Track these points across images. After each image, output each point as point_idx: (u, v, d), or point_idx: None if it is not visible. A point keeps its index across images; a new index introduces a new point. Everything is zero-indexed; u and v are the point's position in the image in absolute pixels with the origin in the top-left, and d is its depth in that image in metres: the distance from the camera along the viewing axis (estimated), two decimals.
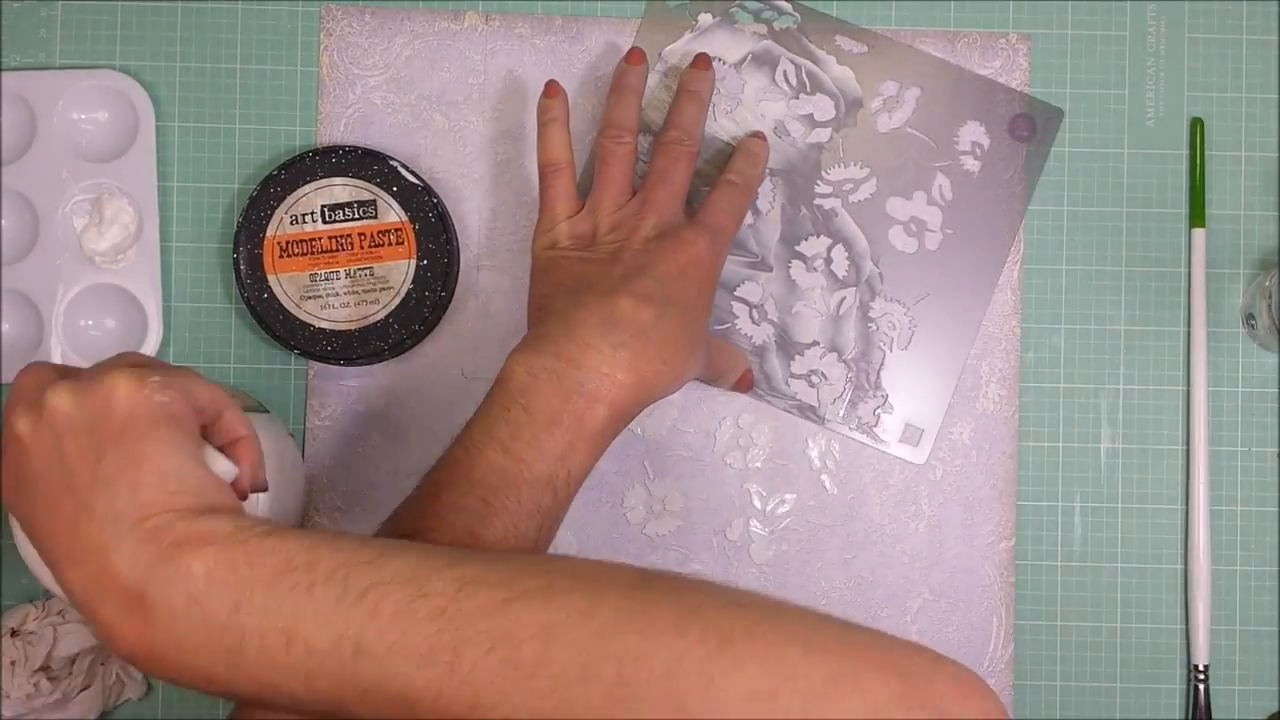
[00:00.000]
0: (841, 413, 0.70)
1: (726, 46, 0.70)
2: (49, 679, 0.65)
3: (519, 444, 0.55)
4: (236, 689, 0.44)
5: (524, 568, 0.44)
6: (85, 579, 0.44)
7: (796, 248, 0.70)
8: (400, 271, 0.67)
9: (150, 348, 0.68)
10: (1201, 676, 0.69)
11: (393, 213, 0.67)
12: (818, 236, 0.70)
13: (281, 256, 0.67)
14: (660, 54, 0.70)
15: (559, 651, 0.41)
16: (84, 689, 0.66)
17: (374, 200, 0.67)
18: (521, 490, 0.54)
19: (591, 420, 0.56)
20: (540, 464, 0.55)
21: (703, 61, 0.67)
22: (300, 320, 0.67)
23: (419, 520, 0.54)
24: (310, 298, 0.67)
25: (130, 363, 0.49)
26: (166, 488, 0.45)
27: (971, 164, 0.70)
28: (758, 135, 0.68)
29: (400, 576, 0.43)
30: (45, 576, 0.50)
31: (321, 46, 0.70)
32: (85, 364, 0.67)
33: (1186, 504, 0.70)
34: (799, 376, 0.70)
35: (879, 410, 0.70)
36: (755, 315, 0.70)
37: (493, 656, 0.41)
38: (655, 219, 0.62)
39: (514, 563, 0.45)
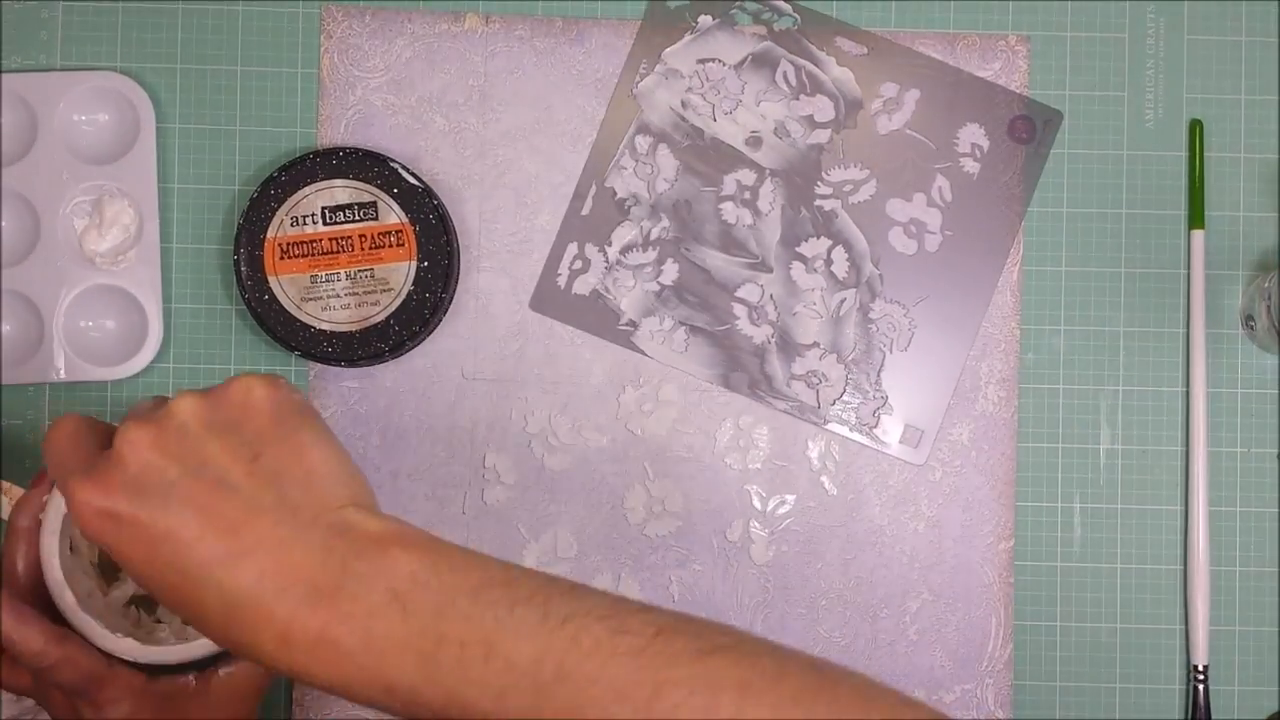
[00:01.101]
0: (841, 414, 0.70)
1: (726, 48, 0.70)
2: None
3: None
4: (420, 699, 0.43)
5: (712, 625, 0.45)
6: (258, 575, 0.43)
7: (797, 249, 0.70)
8: (401, 273, 0.67)
9: (151, 349, 0.68)
10: (1201, 676, 0.69)
11: (393, 214, 0.67)
12: (818, 238, 0.70)
13: (282, 258, 0.67)
14: (660, 55, 0.70)
15: (753, 708, 0.41)
16: None
17: (374, 202, 0.67)
18: None
19: None
20: None
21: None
22: (301, 321, 0.67)
23: None
24: (311, 299, 0.67)
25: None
26: (338, 480, 0.45)
27: (971, 166, 0.70)
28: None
29: (598, 610, 0.43)
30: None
31: (322, 48, 0.70)
32: (86, 365, 0.68)
33: (1186, 504, 0.70)
34: (799, 377, 0.70)
35: (879, 411, 0.70)
36: (755, 316, 0.70)
37: (693, 700, 0.41)
38: None
39: (699, 619, 0.45)
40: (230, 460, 0.45)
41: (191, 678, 0.58)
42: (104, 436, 0.50)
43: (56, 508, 0.55)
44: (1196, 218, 0.70)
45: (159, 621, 0.60)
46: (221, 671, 0.58)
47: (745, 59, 0.71)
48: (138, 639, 0.55)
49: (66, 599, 0.55)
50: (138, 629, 0.58)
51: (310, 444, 0.46)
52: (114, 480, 0.45)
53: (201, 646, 0.56)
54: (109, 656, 0.56)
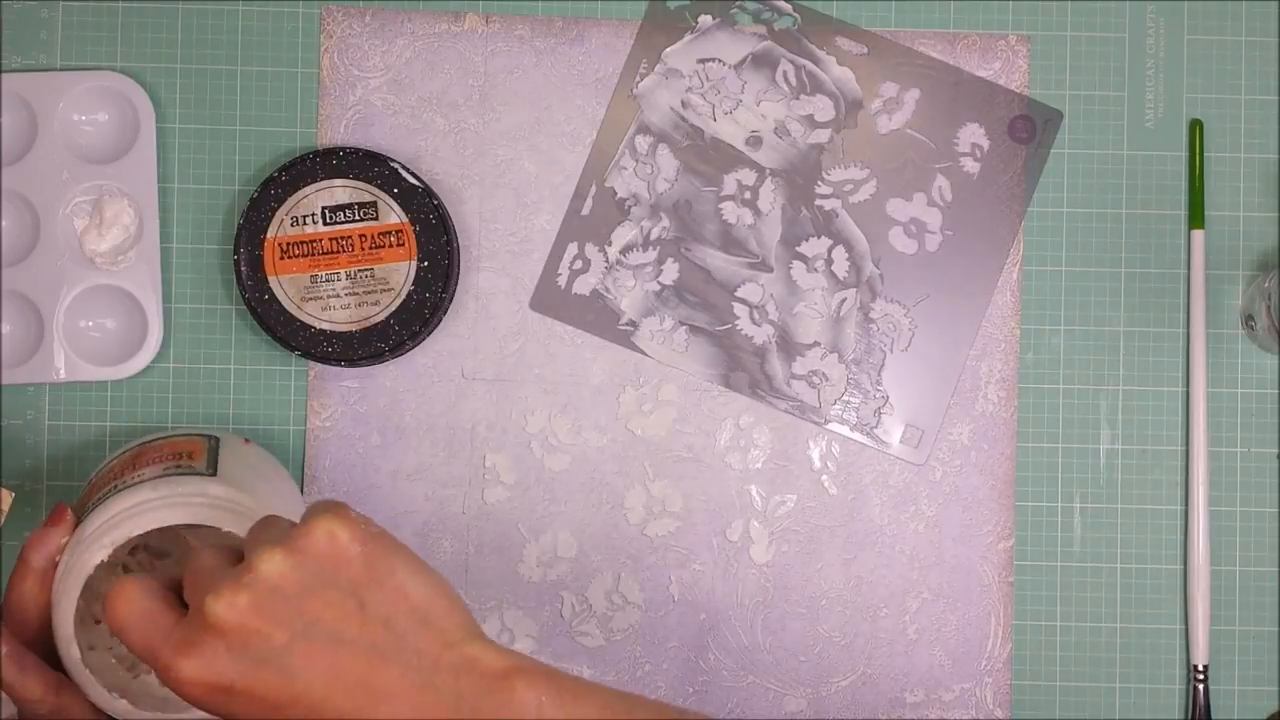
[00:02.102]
0: (842, 413, 0.70)
1: (726, 48, 0.70)
2: None
3: None
4: None
5: None
6: None
7: (797, 249, 0.70)
8: (401, 273, 0.67)
9: (150, 349, 0.68)
10: (1201, 676, 0.69)
11: (393, 214, 0.67)
12: (818, 237, 0.70)
13: (282, 258, 0.67)
14: (660, 55, 0.70)
15: None
16: None
17: (374, 202, 0.67)
18: None
19: None
20: None
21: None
22: (301, 321, 0.67)
23: None
24: (311, 299, 0.67)
25: (285, 524, 0.48)
26: (445, 612, 0.45)
27: (971, 165, 0.70)
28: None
29: None
30: None
31: (322, 48, 0.70)
32: (86, 365, 0.68)
33: (1186, 504, 0.70)
34: (799, 377, 0.70)
35: (879, 411, 0.70)
36: (756, 316, 0.70)
37: None
38: None
39: None
40: (338, 616, 0.45)
41: None
42: (174, 599, 0.47)
43: (80, 569, 0.53)
44: (1196, 218, 0.70)
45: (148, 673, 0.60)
46: None
47: (745, 59, 0.71)
48: (135, 695, 0.55)
49: (72, 654, 0.54)
50: (135, 683, 0.57)
51: (409, 581, 0.46)
52: (217, 652, 0.44)
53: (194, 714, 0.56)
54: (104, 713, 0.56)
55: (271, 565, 0.45)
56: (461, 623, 0.46)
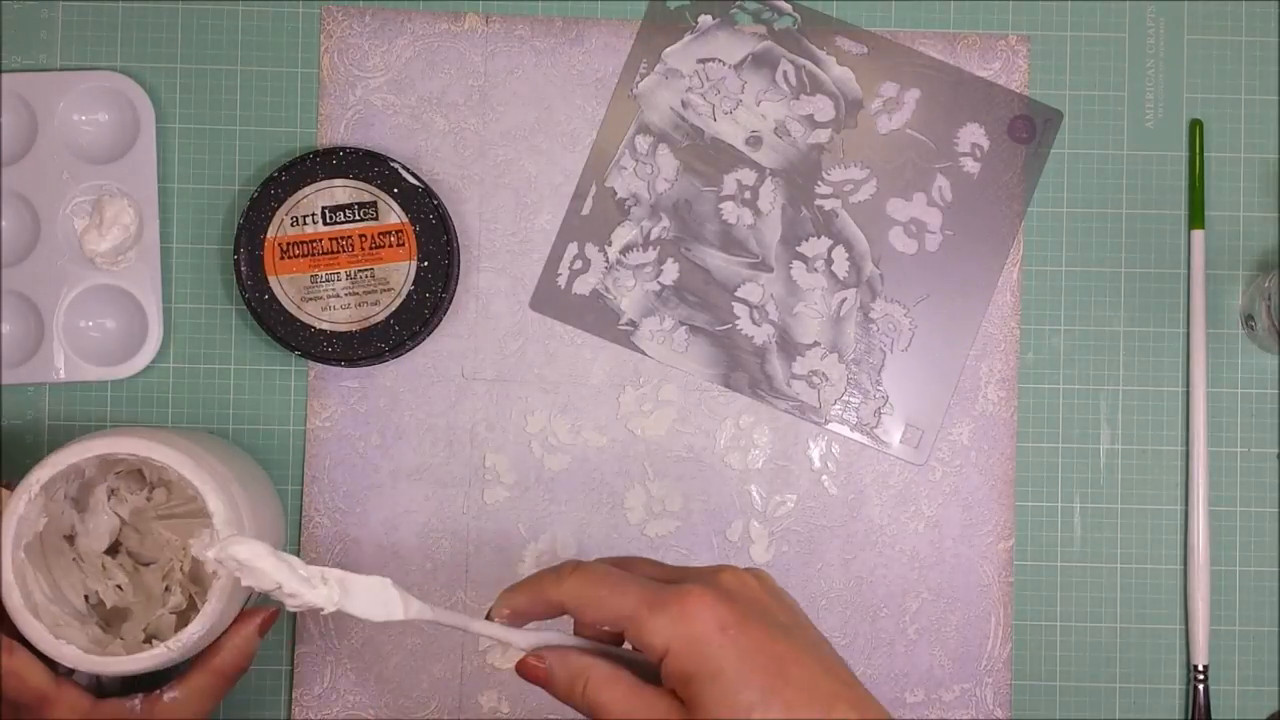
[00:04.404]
0: (842, 413, 0.70)
1: (726, 47, 0.70)
2: None
3: None
4: None
5: None
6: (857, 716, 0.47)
7: (797, 248, 0.70)
8: (401, 273, 0.67)
9: (150, 349, 0.68)
10: (1201, 676, 0.69)
11: (393, 214, 0.67)
12: (818, 237, 0.70)
13: (282, 258, 0.67)
14: (660, 55, 0.70)
15: None
16: None
17: (374, 202, 0.67)
18: None
19: None
20: None
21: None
22: (301, 321, 0.67)
23: None
24: (311, 299, 0.67)
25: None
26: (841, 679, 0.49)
27: (971, 165, 0.70)
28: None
29: None
30: None
31: (322, 48, 0.70)
32: (86, 365, 0.68)
33: (1186, 504, 0.70)
34: (800, 377, 0.70)
35: (879, 411, 0.70)
36: (756, 316, 0.70)
37: None
38: None
39: None
40: (819, 638, 0.50)
41: (138, 701, 0.58)
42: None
43: (13, 514, 0.56)
44: (1196, 218, 0.70)
45: (121, 639, 0.60)
46: (166, 696, 0.58)
47: (745, 58, 0.71)
48: (85, 645, 0.56)
49: (13, 599, 0.55)
50: (93, 644, 0.58)
51: (818, 640, 0.50)
52: (735, 601, 0.48)
53: (149, 659, 0.56)
54: (57, 676, 0.56)
55: (738, 580, 0.50)
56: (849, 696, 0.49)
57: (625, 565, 0.51)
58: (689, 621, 0.46)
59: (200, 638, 0.57)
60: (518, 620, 0.51)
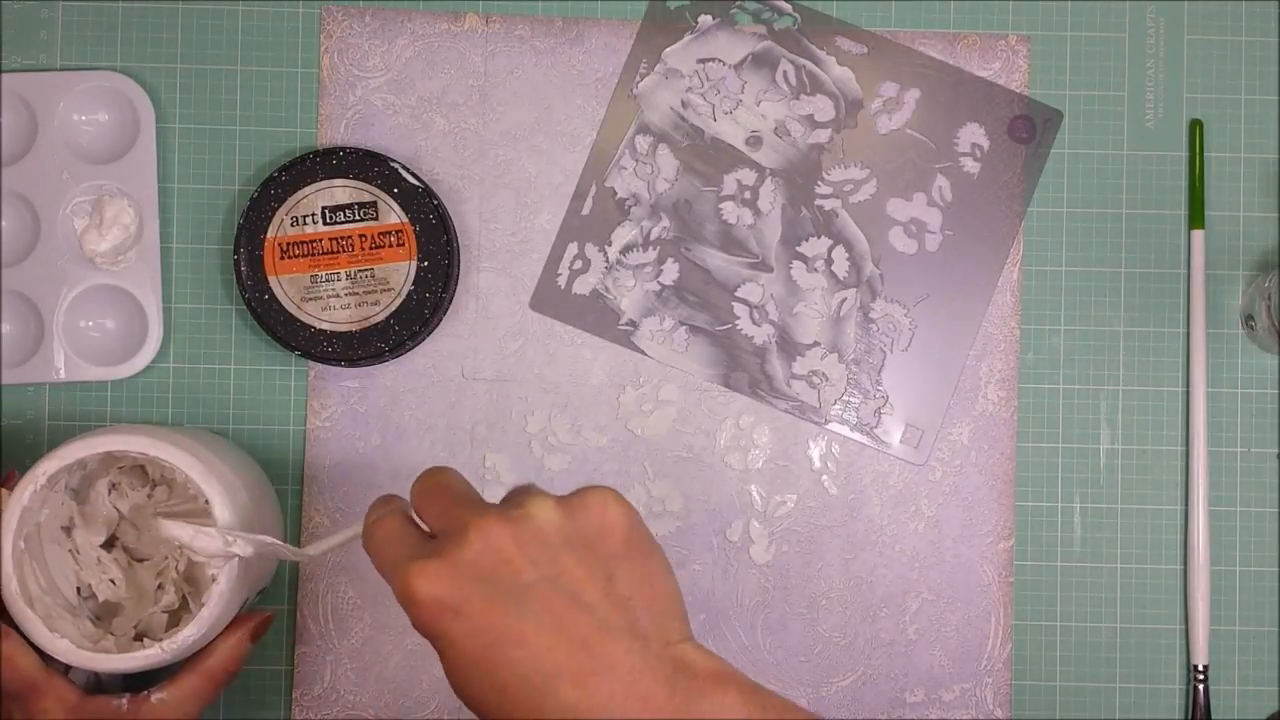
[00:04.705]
0: (842, 413, 0.70)
1: (726, 47, 0.70)
2: None
3: None
4: None
5: None
6: (609, 696, 0.44)
7: (797, 249, 0.70)
8: (401, 273, 0.67)
9: (150, 349, 0.68)
10: (1201, 676, 0.69)
11: (393, 214, 0.67)
12: (818, 237, 0.70)
13: (282, 258, 0.67)
14: (660, 55, 0.70)
15: None
16: None
17: (374, 202, 0.67)
18: None
19: None
20: None
21: None
22: (301, 321, 0.67)
23: None
24: (311, 299, 0.67)
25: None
26: (675, 614, 0.46)
27: (971, 165, 0.70)
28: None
29: None
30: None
31: (322, 48, 0.70)
32: (86, 365, 0.68)
33: (1186, 504, 0.70)
34: (800, 377, 0.70)
35: (879, 411, 0.70)
36: (756, 316, 0.70)
37: None
38: None
39: None
40: (586, 578, 0.45)
41: (125, 700, 0.58)
42: (423, 532, 0.49)
43: (17, 505, 0.57)
44: (1196, 218, 0.70)
45: (112, 634, 0.61)
46: (154, 697, 0.58)
47: (745, 58, 0.71)
48: (77, 639, 0.56)
49: (10, 589, 0.55)
50: (84, 638, 0.59)
51: (657, 572, 0.47)
52: (461, 571, 0.45)
53: (142, 658, 0.57)
54: (48, 667, 0.56)
55: (542, 510, 0.46)
56: (684, 627, 0.47)
57: (445, 486, 0.49)
58: (415, 607, 0.45)
59: (195, 640, 0.57)
60: None
